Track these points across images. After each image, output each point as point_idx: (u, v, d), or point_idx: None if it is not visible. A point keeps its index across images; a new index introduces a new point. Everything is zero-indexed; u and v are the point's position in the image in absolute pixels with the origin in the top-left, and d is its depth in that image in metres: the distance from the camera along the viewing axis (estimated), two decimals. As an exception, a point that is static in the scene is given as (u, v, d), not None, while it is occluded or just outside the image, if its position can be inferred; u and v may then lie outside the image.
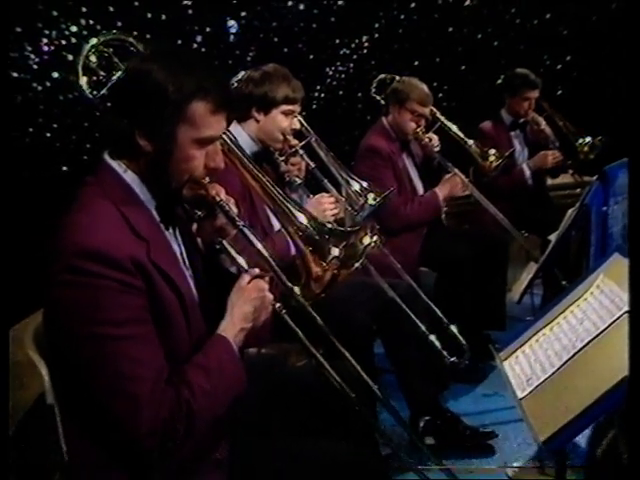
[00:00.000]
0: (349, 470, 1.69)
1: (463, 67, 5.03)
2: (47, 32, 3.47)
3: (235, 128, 2.57)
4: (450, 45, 4.97)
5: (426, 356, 2.93)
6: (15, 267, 1.74)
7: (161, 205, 1.62)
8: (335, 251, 1.75)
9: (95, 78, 2.14)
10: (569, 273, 2.92)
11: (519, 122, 4.29)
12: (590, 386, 1.47)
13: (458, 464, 2.74)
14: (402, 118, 3.57)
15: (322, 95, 4.57)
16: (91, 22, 3.56)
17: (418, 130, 3.57)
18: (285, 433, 1.86)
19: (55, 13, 3.48)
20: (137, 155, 1.56)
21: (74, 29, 3.51)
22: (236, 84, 2.65)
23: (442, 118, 3.73)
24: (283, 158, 2.73)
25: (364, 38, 4.68)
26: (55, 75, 3.49)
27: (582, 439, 2.46)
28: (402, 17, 4.79)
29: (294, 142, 2.74)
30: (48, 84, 3.49)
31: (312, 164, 2.81)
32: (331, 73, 4.62)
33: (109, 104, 1.70)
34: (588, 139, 4.26)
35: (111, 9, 3.64)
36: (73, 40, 3.50)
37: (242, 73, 2.70)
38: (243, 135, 2.62)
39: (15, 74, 3.40)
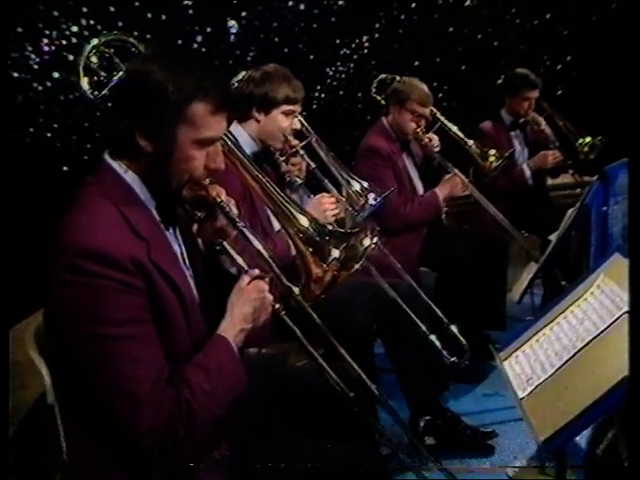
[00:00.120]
0: (349, 470, 1.70)
1: (463, 67, 5.03)
2: (48, 32, 3.47)
3: (236, 128, 2.57)
4: (450, 45, 4.96)
5: (426, 356, 2.93)
6: (15, 267, 1.74)
7: (161, 205, 1.62)
8: (335, 252, 1.76)
9: (96, 78, 2.15)
10: (569, 273, 2.92)
11: (519, 122, 4.30)
12: (590, 386, 1.47)
13: (458, 464, 2.74)
14: (402, 118, 3.57)
15: (322, 95, 4.57)
16: (92, 22, 3.55)
17: (418, 130, 3.57)
18: (285, 433, 1.86)
19: (56, 13, 3.48)
20: (137, 155, 1.57)
21: (75, 29, 3.51)
22: (236, 84, 2.65)
23: (442, 118, 3.73)
24: (284, 158, 2.73)
25: (364, 38, 4.67)
26: (56, 75, 3.48)
27: (582, 439, 2.46)
28: (402, 17, 4.79)
29: (294, 142, 2.74)
30: (49, 84, 3.49)
31: (312, 164, 2.81)
32: (331, 73, 4.61)
33: (109, 104, 1.71)
34: (588, 139, 4.26)
35: (112, 9, 3.64)
36: (74, 40, 3.50)
37: (242, 73, 2.70)
38: (244, 135, 2.62)
39: (16, 74, 3.40)
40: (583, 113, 4.52)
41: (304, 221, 1.81)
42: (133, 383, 1.44)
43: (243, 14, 4.19)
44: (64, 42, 3.50)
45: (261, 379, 1.91)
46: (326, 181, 2.86)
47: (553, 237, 2.87)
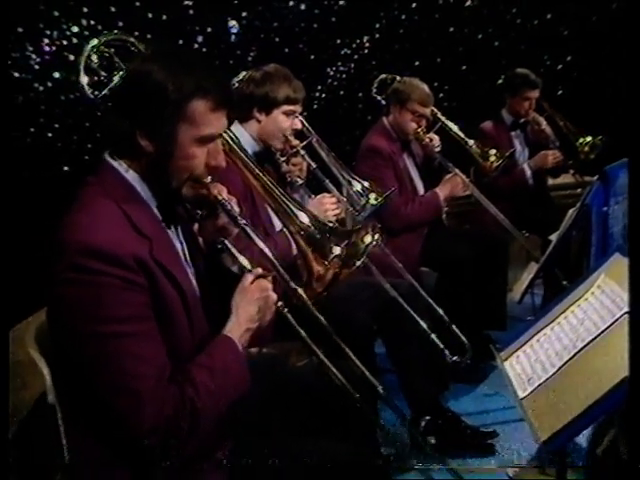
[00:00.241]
0: (349, 470, 1.69)
1: (464, 67, 5.03)
2: (48, 32, 3.47)
3: (236, 128, 2.58)
4: (451, 45, 4.96)
5: (427, 356, 2.93)
6: (16, 267, 1.74)
7: (162, 204, 1.63)
8: (337, 250, 1.76)
9: (97, 78, 2.15)
10: (570, 273, 2.92)
11: (520, 122, 4.30)
12: (591, 386, 1.47)
13: (459, 464, 2.74)
14: (403, 118, 3.57)
15: (323, 95, 4.57)
16: (92, 22, 3.55)
17: (419, 130, 3.58)
18: (285, 433, 1.86)
19: (56, 13, 3.47)
20: (138, 155, 1.57)
21: (75, 29, 3.51)
22: (237, 84, 2.65)
23: (443, 118, 3.73)
24: (284, 158, 2.73)
25: (365, 38, 4.67)
26: (56, 75, 3.48)
27: (583, 439, 2.46)
28: (403, 17, 4.79)
29: (295, 142, 2.74)
30: (49, 84, 3.49)
31: (313, 164, 2.81)
32: (332, 73, 4.61)
33: (110, 104, 1.71)
34: (589, 139, 4.26)
35: (112, 9, 3.64)
36: (74, 40, 3.49)
37: (243, 73, 2.70)
38: (244, 135, 2.62)
39: (16, 74, 3.40)
40: (583, 113, 4.52)
41: (305, 219, 1.82)
42: (136, 380, 1.44)
43: (244, 14, 4.19)
44: (65, 42, 3.50)
45: (262, 379, 1.90)
46: (327, 181, 2.86)
47: (554, 237, 2.87)
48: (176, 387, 1.49)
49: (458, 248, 3.53)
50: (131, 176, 1.59)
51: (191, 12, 3.97)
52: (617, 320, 1.59)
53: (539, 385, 1.61)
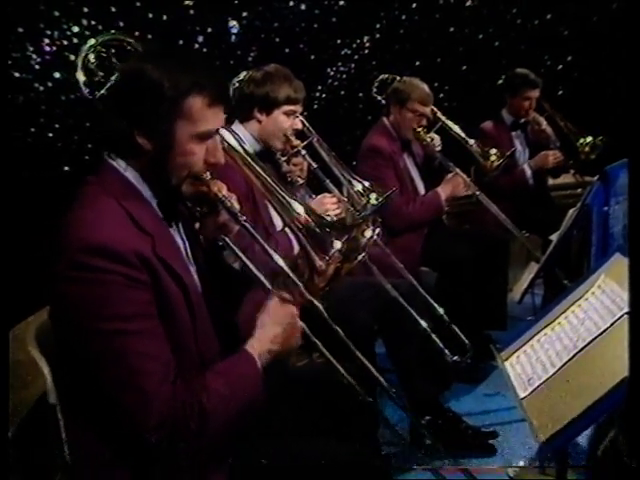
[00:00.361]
0: (350, 470, 1.70)
1: (464, 67, 5.03)
2: (49, 32, 3.47)
3: (237, 128, 2.58)
4: (451, 45, 4.96)
5: (427, 356, 2.93)
6: (16, 267, 1.74)
7: (163, 202, 1.63)
8: (337, 244, 1.76)
9: (96, 79, 2.15)
10: (570, 273, 2.92)
11: (520, 122, 4.30)
12: (591, 386, 1.47)
13: (459, 464, 2.74)
14: (403, 118, 3.58)
15: (323, 95, 4.57)
16: (93, 22, 3.55)
17: (419, 130, 3.58)
18: (285, 433, 1.86)
19: (57, 13, 3.48)
20: (137, 154, 1.57)
21: (76, 29, 3.51)
22: (238, 84, 2.65)
23: (443, 118, 3.73)
24: (285, 158, 2.73)
25: (365, 38, 4.68)
26: (57, 75, 3.49)
27: (583, 439, 2.46)
28: (403, 17, 4.79)
29: (296, 142, 2.74)
30: (50, 84, 3.49)
31: (314, 164, 2.82)
32: (332, 73, 4.61)
33: (107, 104, 1.71)
34: (589, 139, 4.26)
35: (113, 9, 3.64)
36: (75, 40, 3.50)
37: (244, 73, 2.70)
38: (245, 135, 2.62)
39: (17, 74, 3.40)
40: (584, 113, 4.52)
41: (305, 214, 1.82)
42: (141, 377, 1.44)
43: (244, 14, 4.20)
44: (65, 42, 3.50)
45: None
46: (328, 181, 2.86)
47: (554, 237, 2.87)
48: (187, 388, 1.49)
49: (458, 248, 3.53)
50: (131, 175, 1.59)
51: (191, 12, 3.98)
52: (617, 320, 1.59)
53: (539, 385, 1.61)
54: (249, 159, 2.03)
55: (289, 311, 1.69)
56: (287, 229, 2.23)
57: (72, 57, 3.44)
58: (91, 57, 2.15)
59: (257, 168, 2.00)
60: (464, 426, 2.94)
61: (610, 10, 5.03)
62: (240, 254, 1.74)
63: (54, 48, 3.49)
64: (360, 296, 2.77)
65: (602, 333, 1.60)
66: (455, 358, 2.98)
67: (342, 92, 4.66)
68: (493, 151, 3.69)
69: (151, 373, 1.45)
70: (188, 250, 1.70)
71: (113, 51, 2.17)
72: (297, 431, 1.86)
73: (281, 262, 1.76)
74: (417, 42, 4.83)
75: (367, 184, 2.90)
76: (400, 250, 3.28)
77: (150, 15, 3.80)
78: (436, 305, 3.09)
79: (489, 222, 3.84)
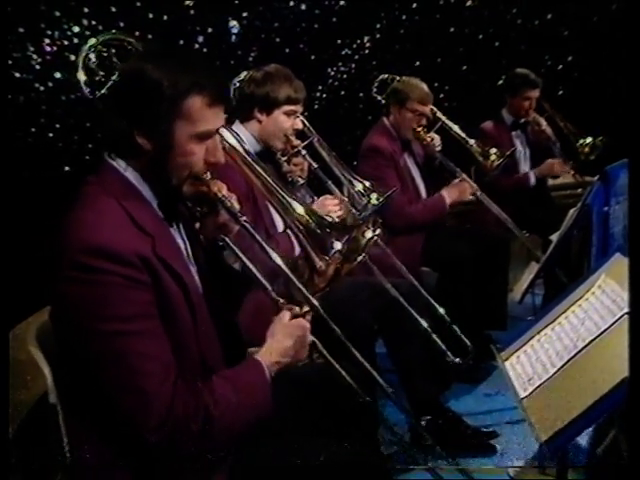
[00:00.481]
0: (350, 470, 1.69)
1: (464, 67, 5.03)
2: (49, 32, 3.47)
3: (237, 128, 2.57)
4: (451, 45, 4.96)
5: (428, 356, 2.93)
6: (16, 267, 1.74)
7: (163, 202, 1.63)
8: (338, 245, 1.76)
9: (97, 78, 2.15)
10: (570, 273, 2.92)
11: (520, 122, 4.30)
12: (592, 386, 1.47)
13: (459, 464, 2.74)
14: (403, 118, 3.58)
15: (324, 95, 4.57)
16: (93, 22, 3.55)
17: (419, 129, 3.58)
18: (285, 433, 1.86)
19: (57, 13, 3.48)
20: (137, 154, 1.57)
21: (76, 29, 3.51)
22: (238, 84, 2.65)
23: (443, 117, 3.73)
24: (285, 158, 2.73)
25: (366, 38, 4.68)
26: (57, 75, 3.49)
27: (583, 439, 2.46)
28: (404, 17, 4.79)
29: (296, 142, 2.74)
30: (50, 84, 3.49)
31: (314, 164, 2.82)
32: (333, 73, 4.62)
33: (107, 104, 1.71)
34: (589, 140, 4.27)
35: (113, 9, 3.64)
36: (75, 40, 3.50)
37: (244, 73, 2.70)
38: (246, 135, 2.62)
39: (17, 74, 3.41)
40: (584, 113, 4.52)
41: (305, 214, 1.82)
42: (142, 378, 1.44)
43: (244, 14, 4.20)
44: (66, 42, 3.50)
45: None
46: (328, 181, 2.86)
47: (554, 237, 2.87)
48: (188, 388, 1.49)
49: (458, 247, 3.53)
50: (131, 175, 1.59)
51: (192, 12, 3.98)
52: (617, 320, 1.59)
53: (540, 385, 1.61)
54: (249, 159, 2.03)
55: (301, 324, 1.70)
56: (288, 230, 2.23)
57: (73, 57, 3.44)
58: (92, 56, 2.15)
59: (257, 168, 2.00)
60: (464, 426, 2.94)
61: (610, 10, 5.03)
62: (240, 254, 1.74)
63: (55, 48, 3.49)
64: (360, 296, 2.77)
65: (602, 333, 1.60)
66: (457, 360, 2.98)
67: (342, 92, 4.66)
68: (493, 151, 3.69)
69: (151, 374, 1.45)
70: (189, 250, 1.70)
71: (113, 51, 2.17)
72: (297, 431, 1.86)
73: (280, 262, 1.76)
74: (417, 42, 4.83)
75: (368, 184, 2.90)
76: (401, 250, 3.28)
77: (150, 15, 3.80)
78: (437, 305, 3.09)
79: (490, 222, 3.84)
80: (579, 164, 4.35)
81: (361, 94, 4.55)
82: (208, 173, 1.63)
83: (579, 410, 1.43)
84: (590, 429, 2.23)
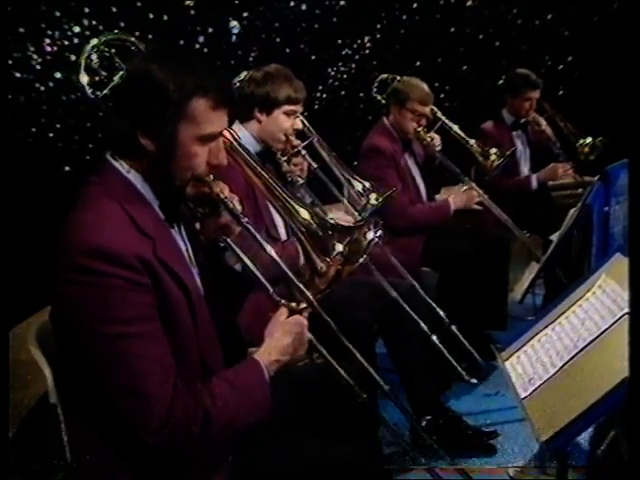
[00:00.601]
0: (350, 470, 1.69)
1: (465, 67, 5.04)
2: (50, 32, 3.47)
3: (237, 128, 2.57)
4: (452, 45, 4.97)
5: (428, 356, 2.94)
6: (16, 267, 1.74)
7: (165, 203, 1.63)
8: (339, 247, 1.76)
9: (98, 78, 2.15)
10: (571, 273, 2.92)
11: (520, 122, 4.30)
12: (592, 386, 1.47)
13: (460, 464, 2.74)
14: (403, 118, 3.57)
15: (324, 95, 4.58)
16: (94, 23, 3.56)
17: (419, 129, 3.58)
18: (286, 433, 1.86)
19: (58, 14, 3.48)
20: (140, 155, 1.56)
21: (77, 29, 3.52)
22: (238, 84, 2.65)
23: (443, 118, 3.73)
24: (285, 158, 2.73)
25: (366, 38, 4.68)
26: (58, 75, 3.49)
27: (583, 439, 2.46)
28: (404, 17, 4.80)
29: (296, 142, 2.74)
30: (51, 84, 3.49)
31: (314, 164, 2.82)
32: (333, 73, 4.62)
33: (110, 104, 1.71)
34: (589, 140, 4.27)
35: (114, 10, 3.65)
36: (76, 40, 3.50)
37: (244, 73, 2.69)
38: (245, 135, 2.62)
39: (18, 74, 3.41)
40: (584, 113, 4.52)
41: (306, 215, 1.82)
42: (142, 380, 1.44)
43: (245, 14, 4.20)
44: (66, 42, 3.51)
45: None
46: (328, 182, 2.86)
47: (554, 237, 2.87)
48: (189, 391, 1.49)
49: (459, 247, 3.52)
50: (133, 176, 1.58)
51: (192, 12, 3.98)
52: (618, 320, 1.59)
53: (540, 385, 1.61)
54: (251, 160, 2.03)
55: (298, 322, 1.70)
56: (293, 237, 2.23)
57: (73, 57, 3.45)
58: (94, 56, 2.15)
59: (259, 169, 2.00)
60: (464, 426, 2.93)
61: (610, 10, 5.03)
62: (242, 255, 1.74)
63: (55, 48, 3.49)
64: (360, 296, 2.77)
65: (602, 333, 1.60)
66: (473, 380, 3.06)
67: (342, 92, 4.67)
68: (493, 150, 3.69)
69: (152, 376, 1.45)
70: (190, 252, 1.69)
71: (113, 51, 2.17)
72: (297, 431, 1.86)
73: (282, 264, 1.76)
74: (418, 42, 4.84)
75: (367, 184, 2.90)
76: (401, 250, 3.28)
77: (151, 15, 3.80)
78: (437, 308, 3.09)
79: (490, 221, 3.84)
80: (579, 164, 4.35)
81: (361, 94, 4.56)
82: (210, 174, 1.63)
83: (579, 410, 1.43)
84: (590, 429, 2.23)
